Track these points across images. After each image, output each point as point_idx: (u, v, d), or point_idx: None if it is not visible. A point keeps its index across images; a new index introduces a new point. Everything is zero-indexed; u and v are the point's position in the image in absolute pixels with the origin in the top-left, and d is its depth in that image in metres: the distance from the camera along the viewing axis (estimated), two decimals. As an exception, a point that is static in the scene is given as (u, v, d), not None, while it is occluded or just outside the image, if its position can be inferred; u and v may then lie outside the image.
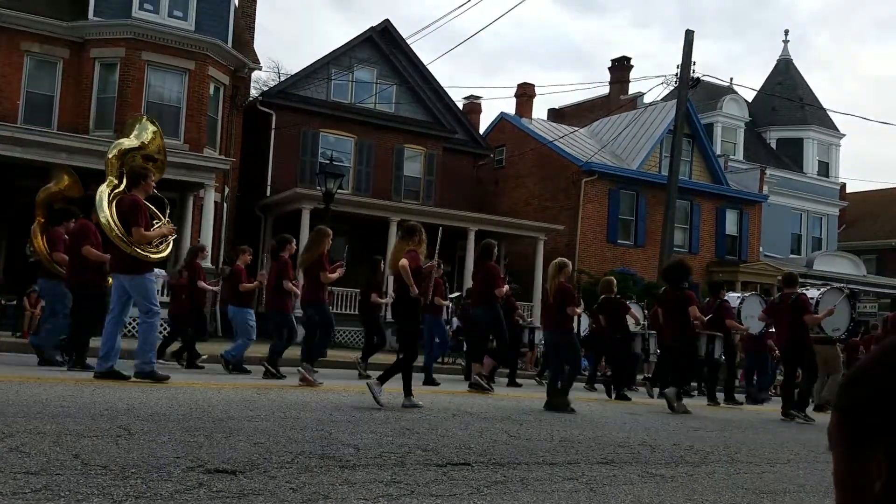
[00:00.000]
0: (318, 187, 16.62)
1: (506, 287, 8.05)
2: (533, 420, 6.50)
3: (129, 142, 7.78)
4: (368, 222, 20.79)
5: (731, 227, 27.16)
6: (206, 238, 17.65)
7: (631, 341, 11.70)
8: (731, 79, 33.48)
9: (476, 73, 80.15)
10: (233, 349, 9.99)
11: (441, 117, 24.94)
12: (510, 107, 30.41)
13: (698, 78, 20.51)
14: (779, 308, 9.55)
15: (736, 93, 30.56)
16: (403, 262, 6.88)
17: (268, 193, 21.80)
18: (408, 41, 24.85)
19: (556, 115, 33.13)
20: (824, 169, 32.05)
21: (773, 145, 32.37)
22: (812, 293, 10.43)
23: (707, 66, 63.44)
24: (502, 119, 28.87)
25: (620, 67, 31.09)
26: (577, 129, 27.67)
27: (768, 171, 28.93)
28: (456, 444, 4.71)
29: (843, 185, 33.78)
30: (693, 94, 22.71)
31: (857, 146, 75.88)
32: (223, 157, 19.46)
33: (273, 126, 22.27)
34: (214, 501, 2.96)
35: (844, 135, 32.73)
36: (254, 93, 25.50)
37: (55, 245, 8.64)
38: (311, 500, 3.09)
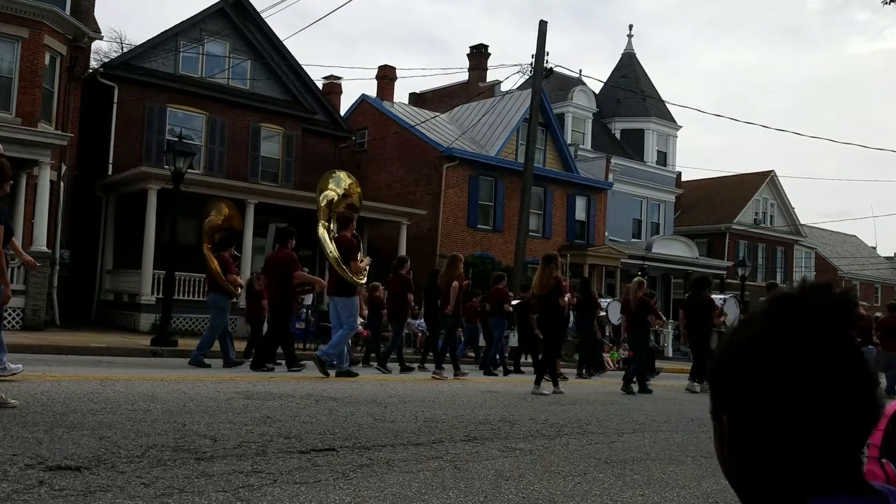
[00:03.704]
0: (166, 166, 15.70)
1: (567, 296, 9.60)
2: (398, 402, 6.53)
3: (332, 193, 9.89)
4: (222, 204, 19.93)
5: (580, 213, 28.54)
6: (42, 219, 16.25)
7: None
8: (581, 70, 35.05)
9: (334, 54, 78.90)
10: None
11: (300, 96, 24.32)
12: (370, 89, 30.21)
13: (551, 69, 21.27)
14: None
15: (585, 84, 32.03)
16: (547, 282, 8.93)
17: (110, 172, 20.37)
18: (262, 16, 23.96)
19: (417, 99, 33.27)
20: (663, 158, 34.34)
21: (618, 135, 34.27)
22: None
23: (557, 58, 66.04)
24: (363, 101, 28.61)
25: (478, 55, 31.67)
26: (437, 114, 27.92)
27: (613, 160, 30.61)
28: (320, 430, 4.63)
29: (679, 174, 36.37)
30: (546, 84, 23.54)
31: (692, 137, 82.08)
32: (60, 132, 17.94)
33: (115, 100, 20.77)
34: (57, 500, 2.74)
35: (681, 126, 35.22)
36: (94, 64, 23.68)
37: (228, 268, 10.33)
38: (165, 494, 2.93)
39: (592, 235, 28.65)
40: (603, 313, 15.64)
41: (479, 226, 25.62)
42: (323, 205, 9.77)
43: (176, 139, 15.97)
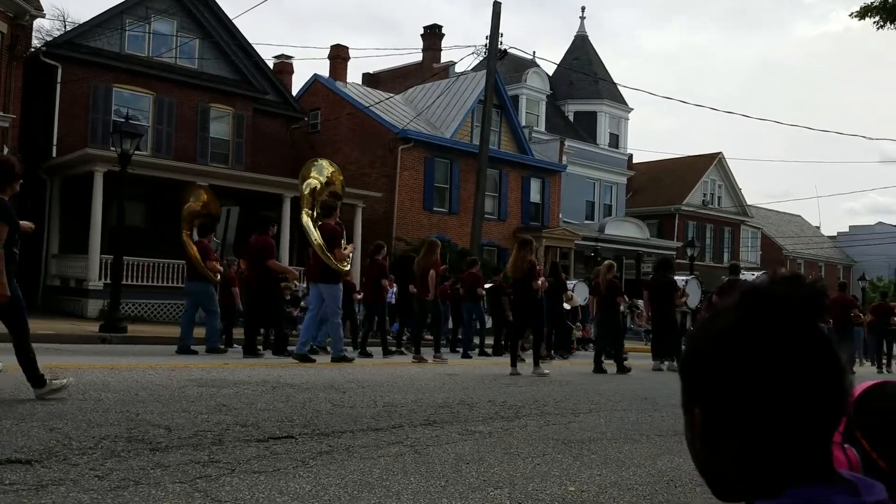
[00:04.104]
0: (113, 148, 15.27)
1: (541, 280, 9.87)
2: (356, 387, 6.50)
3: (314, 181, 10.04)
4: (171, 187, 19.48)
5: (535, 195, 28.73)
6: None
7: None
8: (534, 52, 35.05)
9: (285, 33, 77.51)
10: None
11: (250, 76, 23.84)
12: (323, 69, 29.78)
13: (505, 50, 21.25)
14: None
15: (538, 66, 32.11)
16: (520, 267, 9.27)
17: (54, 154, 19.73)
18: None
19: (370, 80, 32.93)
20: (615, 140, 34.74)
21: (571, 118, 34.52)
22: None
23: (511, 39, 66.18)
24: (316, 81, 28.19)
25: (432, 35, 31.46)
26: (392, 95, 27.70)
27: (567, 143, 30.84)
28: (278, 418, 4.59)
29: (631, 156, 36.86)
30: (500, 66, 23.52)
31: (643, 119, 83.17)
32: (1, 112, 17.30)
33: (59, 80, 20.08)
34: (8, 496, 2.66)
35: (633, 109, 35.66)
36: (36, 43, 22.80)
37: (207, 254, 10.28)
38: (121, 487, 2.87)
39: (547, 217, 28.89)
40: (580, 301, 16.14)
41: (434, 208, 25.58)
42: (306, 193, 9.97)
43: (122, 120, 15.51)
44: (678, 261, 32.02)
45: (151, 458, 3.34)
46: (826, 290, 0.82)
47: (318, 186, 10.03)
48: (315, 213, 9.76)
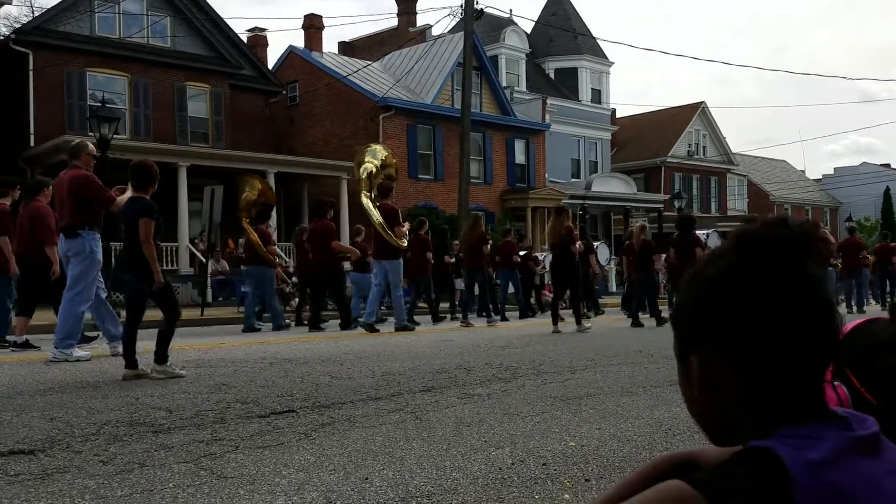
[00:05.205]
0: (91, 133, 15.09)
1: (578, 243, 10.69)
2: (353, 359, 6.54)
3: (370, 165, 10.71)
4: (154, 169, 19.29)
5: (519, 156, 28.62)
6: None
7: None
8: (511, 10, 34.74)
9: (256, 4, 76.05)
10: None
11: (224, 51, 23.49)
12: (297, 40, 29.36)
13: (482, 10, 21.02)
14: None
15: (516, 24, 31.76)
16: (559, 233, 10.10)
17: (32, 143, 19.47)
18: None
19: (346, 48, 32.51)
20: (597, 96, 34.53)
21: (552, 75, 34.24)
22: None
23: (487, -2, 65.21)
24: (291, 53, 27.80)
25: (406, -2, 31.01)
26: (370, 63, 27.36)
27: (549, 101, 30.64)
28: (278, 393, 4.62)
29: (614, 111, 36.70)
30: (477, 26, 23.24)
31: (625, 72, 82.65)
32: (-29, 103, 16.99)
33: (31, 67, 19.74)
34: (14, 486, 2.67)
35: (613, 63, 35.40)
36: (4, 31, 22.36)
37: (267, 240, 10.99)
38: (126, 470, 2.89)
39: (533, 178, 28.82)
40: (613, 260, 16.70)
41: (420, 176, 25.46)
42: (364, 177, 10.72)
43: (99, 104, 15.30)
44: (666, 213, 32.14)
45: (154, 440, 3.36)
46: (813, 228, 0.83)
47: (374, 170, 10.72)
48: (373, 195, 10.49)
